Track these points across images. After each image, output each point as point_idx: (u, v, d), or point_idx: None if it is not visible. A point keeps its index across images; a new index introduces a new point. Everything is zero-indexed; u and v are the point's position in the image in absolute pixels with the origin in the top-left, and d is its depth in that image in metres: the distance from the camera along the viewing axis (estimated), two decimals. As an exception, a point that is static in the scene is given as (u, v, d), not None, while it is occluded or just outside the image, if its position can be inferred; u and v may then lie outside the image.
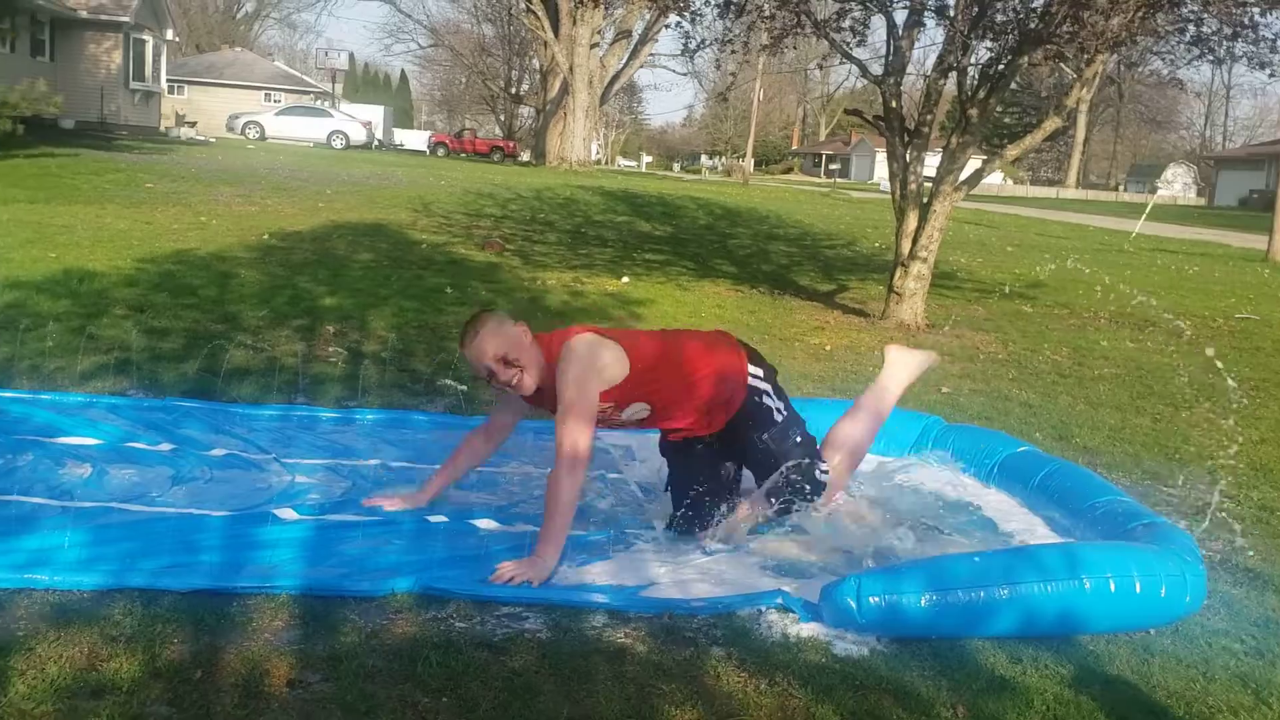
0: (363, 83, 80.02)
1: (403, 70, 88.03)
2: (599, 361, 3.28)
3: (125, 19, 30.54)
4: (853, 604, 2.84)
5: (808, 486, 3.50)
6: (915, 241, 8.48)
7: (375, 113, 50.35)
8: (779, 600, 2.99)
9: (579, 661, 2.60)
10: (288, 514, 3.37)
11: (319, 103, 47.48)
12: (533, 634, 2.73)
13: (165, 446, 3.96)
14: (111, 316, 6.16)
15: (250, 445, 4.09)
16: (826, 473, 3.58)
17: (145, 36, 32.62)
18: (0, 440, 3.82)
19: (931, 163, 8.83)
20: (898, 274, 8.60)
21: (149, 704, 2.25)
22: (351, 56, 58.58)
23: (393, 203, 15.97)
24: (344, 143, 40.08)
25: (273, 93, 48.57)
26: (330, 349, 5.92)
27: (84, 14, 29.50)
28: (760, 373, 3.59)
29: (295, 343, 5.96)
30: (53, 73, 27.28)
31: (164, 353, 5.45)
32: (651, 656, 2.67)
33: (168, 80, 37.96)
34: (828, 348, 7.34)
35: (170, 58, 38.86)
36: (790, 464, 3.46)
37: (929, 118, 8.66)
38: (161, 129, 34.70)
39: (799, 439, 3.57)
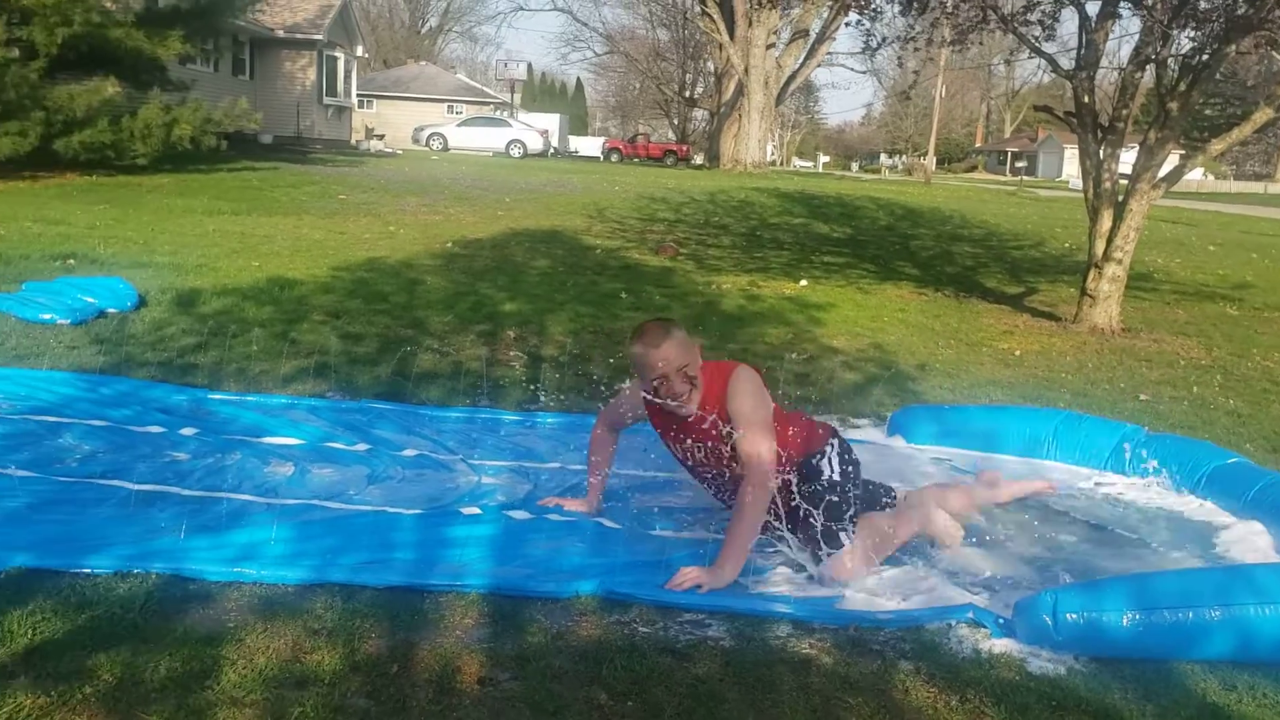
0: (540, 92, 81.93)
1: (578, 78, 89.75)
2: (766, 392, 3.28)
3: (319, 37, 32.16)
4: (1048, 620, 2.72)
5: (824, 541, 3.22)
6: (1110, 242, 8.09)
7: (551, 121, 51.44)
8: (970, 614, 2.89)
9: (763, 671, 2.57)
10: (474, 513, 3.45)
11: (498, 113, 48.82)
12: (716, 642, 2.71)
13: (361, 447, 4.12)
14: (310, 322, 6.47)
15: (439, 446, 4.22)
16: (847, 535, 3.25)
17: (337, 54, 34.27)
18: (211, 440, 4.05)
19: (1127, 159, 8.41)
20: (1091, 276, 8.22)
21: (349, 696, 2.34)
22: (529, 66, 60.14)
23: (568, 209, 16.26)
24: (522, 151, 41.12)
25: (455, 104, 50.25)
26: (511, 353, 6.05)
27: (280, 33, 31.19)
28: (836, 445, 3.45)
29: (478, 347, 6.12)
30: (252, 90, 28.96)
31: (358, 357, 5.68)
32: (837, 668, 2.62)
33: (358, 95, 39.76)
34: (1017, 353, 7.07)
35: (360, 73, 40.71)
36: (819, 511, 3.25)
37: (1124, 112, 8.24)
38: (352, 142, 36.38)
39: (834, 499, 3.31)
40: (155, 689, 2.31)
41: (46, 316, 5.92)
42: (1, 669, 2.32)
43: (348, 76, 35.94)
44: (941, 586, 3.15)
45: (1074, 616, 2.71)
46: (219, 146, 18.21)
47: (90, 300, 6.25)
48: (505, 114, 48.75)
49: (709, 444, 3.32)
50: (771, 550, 3.31)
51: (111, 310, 6.27)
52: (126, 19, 16.39)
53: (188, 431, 4.12)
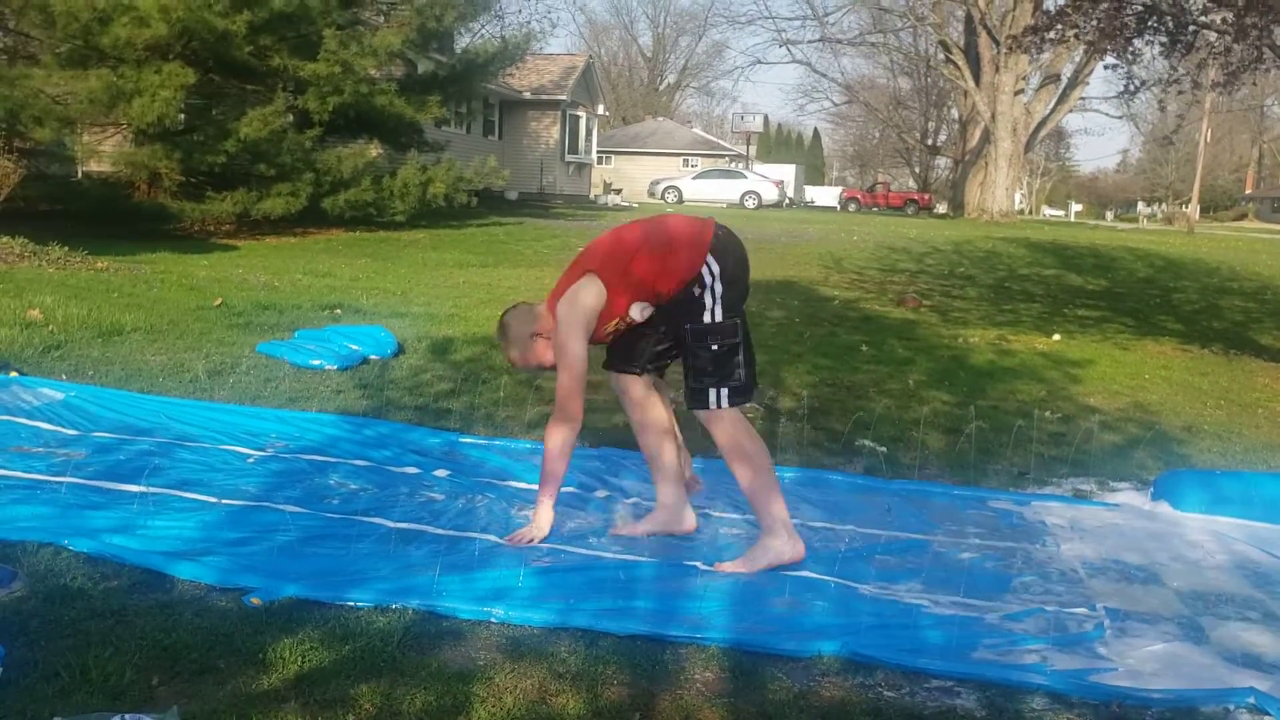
0: (775, 143, 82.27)
1: (815, 128, 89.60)
2: (580, 309, 3.49)
3: (563, 98, 33.56)
4: (1348, 711, 2.44)
5: (705, 392, 3.51)
6: (1407, 293, 7.34)
7: (787, 171, 51.55)
8: (1250, 699, 2.63)
9: (1018, 746, 2.43)
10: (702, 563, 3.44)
11: (733, 165, 49.35)
12: (966, 711, 2.58)
13: (601, 493, 4.20)
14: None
15: (678, 496, 4.23)
16: (717, 389, 3.50)
17: (579, 113, 35.63)
18: (462, 482, 4.22)
19: None
20: (1385, 331, 7.47)
21: (592, 742, 2.35)
22: (765, 118, 60.27)
23: (803, 259, 16.19)
24: (756, 202, 41.37)
25: (690, 158, 51.15)
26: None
27: (527, 95, 32.76)
28: (717, 269, 3.45)
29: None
30: (500, 150, 30.46)
31: (597, 405, 5.76)
32: (1100, 749, 2.44)
33: (597, 151, 41.12)
34: (1296, 414, 6.50)
35: (600, 130, 42.13)
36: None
37: None
38: (591, 197, 37.60)
39: (715, 348, 3.48)
40: (411, 721, 2.39)
41: (316, 362, 6.33)
42: (275, 693, 2.47)
43: (589, 134, 37.28)
44: (1216, 665, 2.89)
45: (1381, 710, 2.43)
46: (469, 203, 19.23)
47: (355, 347, 6.66)
48: (740, 165, 49.23)
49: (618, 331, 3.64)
50: (1023, 615, 3.14)
51: (374, 357, 6.65)
52: (390, 87, 17.60)
53: (441, 473, 4.31)
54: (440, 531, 3.63)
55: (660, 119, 60.40)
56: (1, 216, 10.66)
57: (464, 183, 18.79)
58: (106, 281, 9.19)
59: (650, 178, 45.76)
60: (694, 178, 44.18)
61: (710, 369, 3.48)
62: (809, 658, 2.80)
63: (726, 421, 3.52)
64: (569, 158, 35.18)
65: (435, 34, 19.21)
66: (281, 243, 15.46)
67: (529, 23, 32.71)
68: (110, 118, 15.29)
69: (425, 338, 7.48)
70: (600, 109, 39.19)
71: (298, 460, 4.41)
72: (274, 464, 4.35)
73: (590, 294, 3.49)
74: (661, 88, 76.79)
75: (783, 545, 3.44)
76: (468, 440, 4.85)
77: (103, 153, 16.53)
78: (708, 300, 3.45)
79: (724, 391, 3.49)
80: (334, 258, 13.69)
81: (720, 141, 57.45)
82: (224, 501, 3.78)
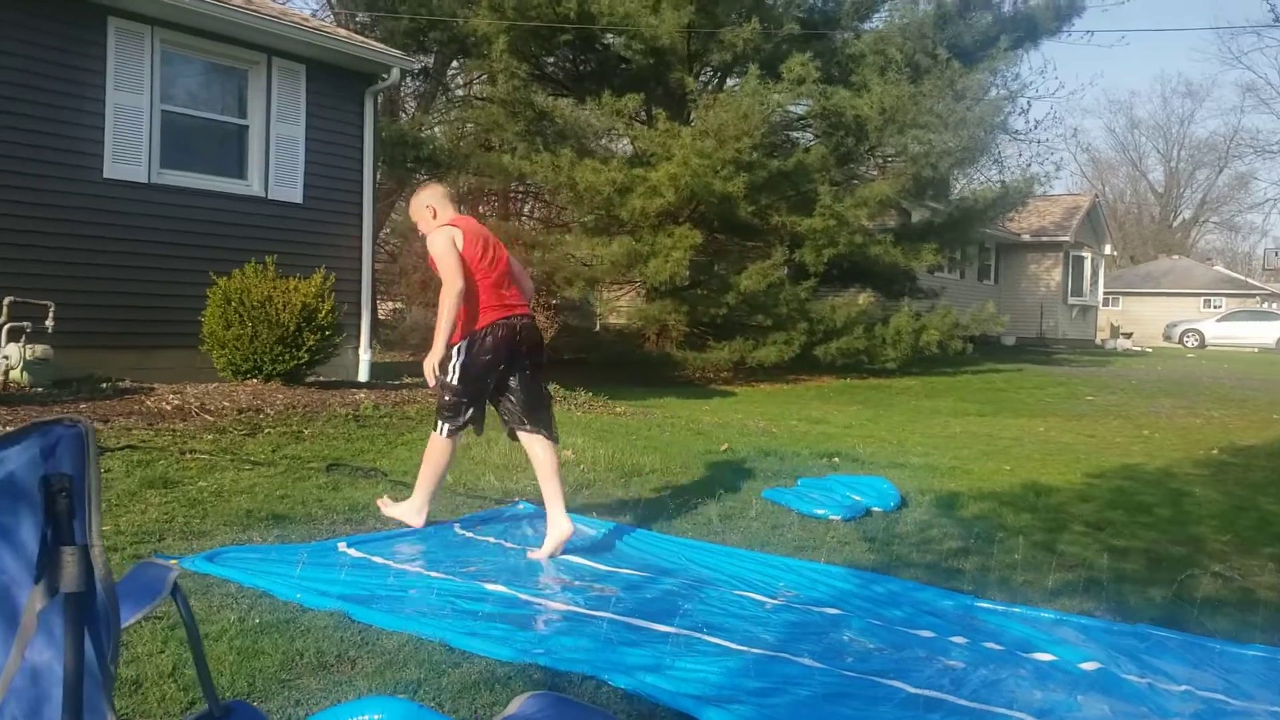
0: (1316, 279, 73.16)
1: (1365, 260, 78.54)
2: (450, 246, 5.03)
3: (1065, 239, 32.36)
4: None
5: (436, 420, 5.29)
6: None
7: (1333, 311, 45.64)
8: None
9: None
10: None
11: (1266, 305, 44.55)
12: None
13: (1140, 678, 3.77)
14: (1071, 532, 6.20)
15: (1234, 688, 3.70)
16: (443, 422, 5.23)
17: (1083, 253, 34.10)
18: (982, 650, 3.98)
19: None
20: None
21: None
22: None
23: (1365, 413, 14.04)
24: (1295, 346, 36.91)
25: (1212, 298, 46.99)
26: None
27: (1027, 237, 31.96)
28: (485, 340, 5.09)
29: (1271, 574, 5.37)
30: (996, 294, 29.80)
31: (1126, 574, 5.29)
32: None
33: (1104, 293, 38.96)
34: None
35: (1106, 271, 39.94)
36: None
37: None
38: (1097, 341, 35.53)
39: (446, 398, 5.16)
40: None
41: (820, 512, 6.38)
42: None
43: (1094, 275, 35.53)
44: None
45: None
46: (964, 350, 18.87)
47: (857, 498, 6.65)
48: (1276, 306, 44.34)
49: None
50: None
51: (876, 509, 6.59)
52: (885, 237, 17.97)
53: (958, 639, 4.10)
54: (963, 703, 3.42)
55: (1175, 257, 56.16)
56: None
57: (960, 329, 18.52)
58: (625, 425, 10.02)
59: (1166, 320, 42.59)
60: (1219, 319, 40.47)
61: (440, 406, 5.20)
62: None
63: (435, 441, 5.25)
64: (1072, 300, 33.65)
65: (930, 182, 19.40)
66: (775, 389, 16.05)
67: (1029, 165, 31.98)
68: (627, 277, 17.02)
69: (928, 491, 7.31)
70: (1107, 248, 37.23)
71: (810, 612, 4.42)
72: (787, 614, 4.40)
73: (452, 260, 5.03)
74: (1175, 224, 71.45)
75: (411, 514, 5.35)
76: (984, 605, 4.60)
77: (619, 308, 18.37)
78: (452, 363, 5.09)
79: (445, 426, 5.19)
80: (826, 404, 13.96)
81: (1248, 279, 52.20)
82: (745, 649, 3.86)
